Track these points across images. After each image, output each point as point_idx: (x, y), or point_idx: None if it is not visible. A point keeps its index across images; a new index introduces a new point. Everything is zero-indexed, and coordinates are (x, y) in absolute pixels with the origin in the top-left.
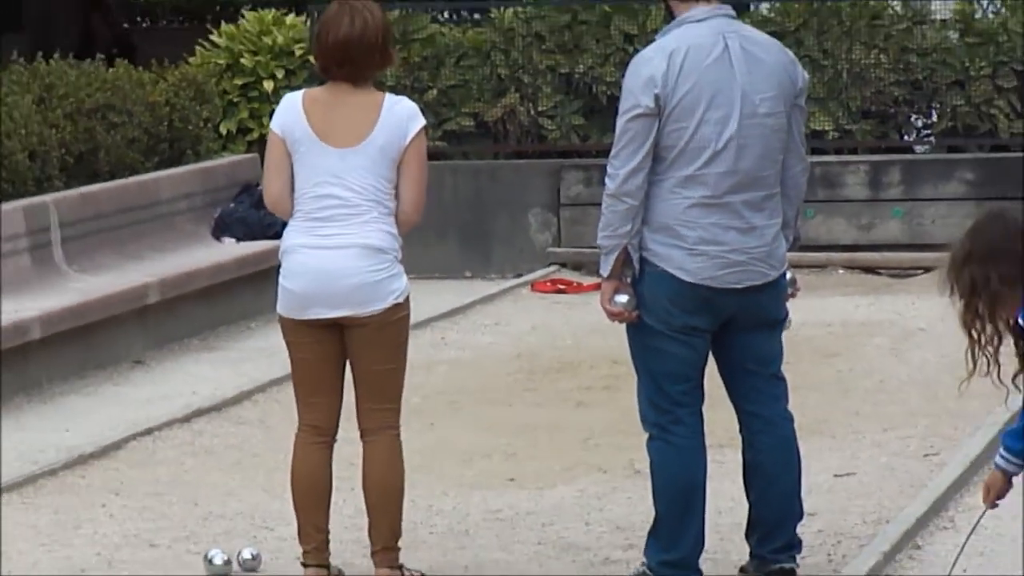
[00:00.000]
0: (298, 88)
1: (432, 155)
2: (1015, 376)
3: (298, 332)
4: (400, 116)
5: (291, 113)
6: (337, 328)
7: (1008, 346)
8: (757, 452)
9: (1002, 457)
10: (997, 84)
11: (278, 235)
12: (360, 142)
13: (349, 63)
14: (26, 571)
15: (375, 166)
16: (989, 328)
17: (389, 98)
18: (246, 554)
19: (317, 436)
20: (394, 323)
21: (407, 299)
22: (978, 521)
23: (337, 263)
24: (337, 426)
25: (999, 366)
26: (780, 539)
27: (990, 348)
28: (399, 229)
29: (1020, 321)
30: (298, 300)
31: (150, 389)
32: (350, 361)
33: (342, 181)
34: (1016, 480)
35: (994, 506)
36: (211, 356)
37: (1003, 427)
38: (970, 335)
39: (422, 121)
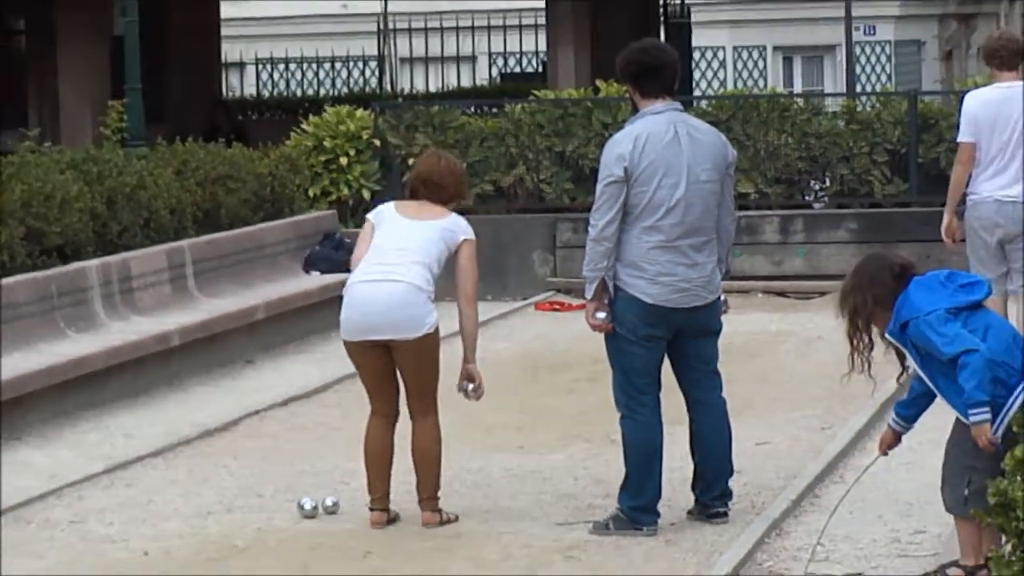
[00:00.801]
0: (365, 165)
1: (463, 211)
2: (899, 375)
3: (357, 351)
4: (459, 224)
5: (383, 209)
6: (386, 346)
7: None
8: (699, 427)
9: (894, 421)
10: (873, 159)
11: (350, 269)
12: (428, 220)
13: (432, 187)
14: (170, 514)
15: (434, 238)
16: (865, 339)
17: (455, 215)
18: (328, 501)
19: (383, 419)
20: (428, 346)
21: (436, 328)
22: (871, 464)
23: (384, 299)
24: (397, 412)
25: (871, 365)
26: (717, 490)
27: (865, 353)
28: (463, 306)
29: (888, 336)
30: (355, 326)
31: (258, 382)
32: (398, 370)
33: (407, 236)
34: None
35: (885, 454)
36: (303, 357)
37: (882, 405)
38: (852, 343)
39: (473, 236)
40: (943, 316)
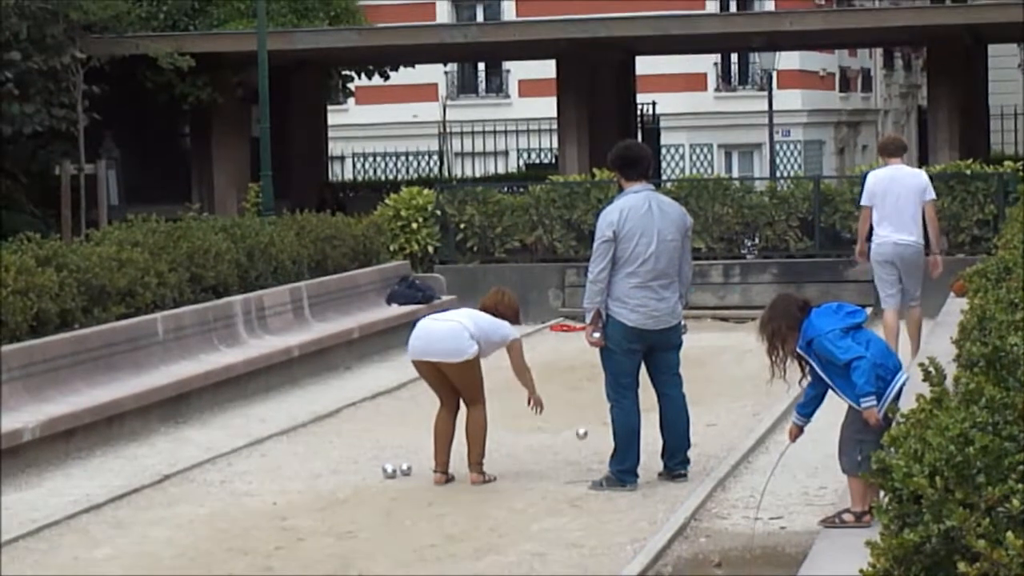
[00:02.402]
0: (430, 228)
1: (499, 260)
2: (800, 379)
3: (417, 366)
4: (510, 331)
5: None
6: (435, 364)
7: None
8: (666, 413)
9: (796, 417)
10: (789, 224)
11: (419, 302)
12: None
13: (498, 314)
14: (292, 475)
15: (491, 324)
16: (780, 355)
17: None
18: (404, 466)
19: (448, 410)
20: (466, 367)
21: (476, 356)
22: (785, 450)
23: (438, 333)
24: (459, 405)
25: (785, 374)
26: (678, 458)
27: (780, 365)
28: (517, 376)
29: (798, 350)
30: (414, 350)
31: (354, 382)
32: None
33: (473, 317)
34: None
35: (794, 441)
36: (386, 364)
37: (795, 398)
38: (771, 359)
39: (516, 339)
40: (839, 333)
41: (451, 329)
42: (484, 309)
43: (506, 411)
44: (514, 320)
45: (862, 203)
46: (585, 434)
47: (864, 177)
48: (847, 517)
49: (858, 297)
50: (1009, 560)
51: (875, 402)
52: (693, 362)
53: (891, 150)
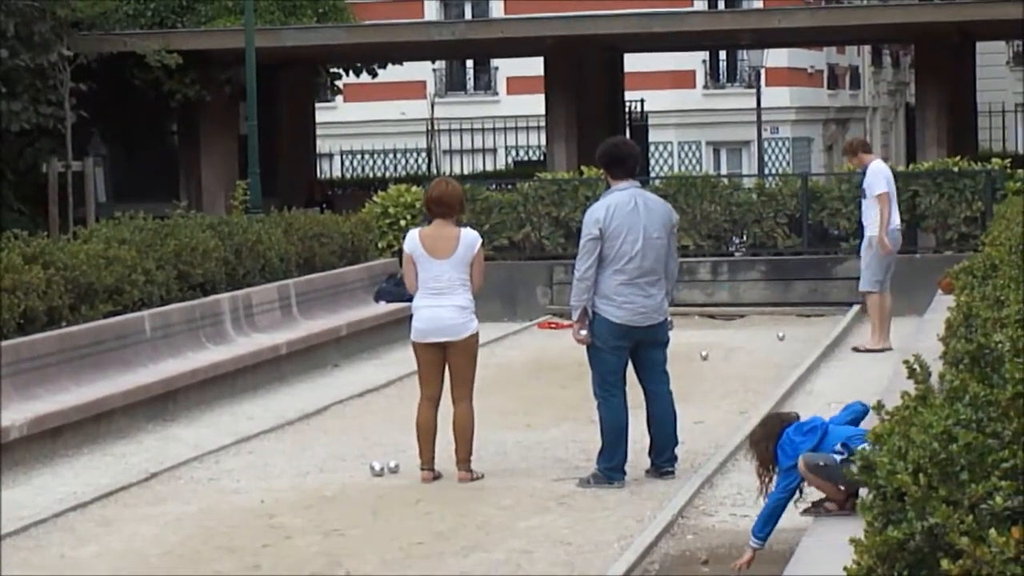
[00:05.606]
0: (418, 225)
1: (487, 258)
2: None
3: (421, 349)
4: (469, 240)
5: (412, 242)
6: (440, 347)
7: None
8: (653, 411)
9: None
10: (777, 221)
11: (406, 300)
12: (450, 256)
13: (443, 206)
14: (279, 473)
15: (458, 268)
16: (768, 473)
17: (464, 230)
18: (391, 464)
19: (430, 402)
20: (470, 344)
21: (477, 333)
22: None
23: (442, 314)
24: (440, 397)
25: (769, 488)
26: (665, 455)
27: (767, 479)
28: (472, 295)
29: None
30: (421, 332)
31: (342, 379)
32: (448, 364)
33: (441, 276)
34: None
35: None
36: (374, 362)
37: (783, 395)
38: (759, 476)
39: (480, 241)
40: (783, 473)
41: (450, 309)
42: (430, 210)
43: (493, 408)
44: (461, 210)
45: (884, 190)
46: (396, 466)
47: (865, 169)
48: (829, 506)
49: (846, 293)
50: (992, 557)
51: (759, 545)
52: (681, 359)
53: (869, 147)
